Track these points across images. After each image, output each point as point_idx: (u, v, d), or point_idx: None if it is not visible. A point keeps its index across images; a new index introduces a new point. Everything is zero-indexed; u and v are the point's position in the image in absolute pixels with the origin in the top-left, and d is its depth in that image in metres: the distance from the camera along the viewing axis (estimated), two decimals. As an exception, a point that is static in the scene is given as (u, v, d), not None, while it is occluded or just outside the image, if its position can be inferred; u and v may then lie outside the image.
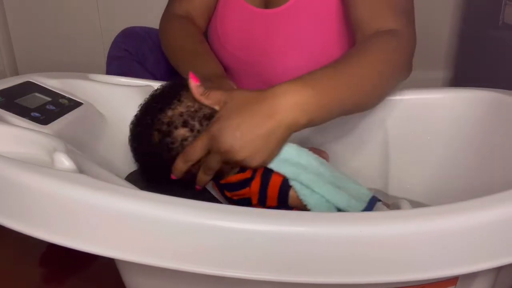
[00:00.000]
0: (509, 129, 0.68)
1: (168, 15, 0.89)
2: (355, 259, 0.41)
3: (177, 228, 0.42)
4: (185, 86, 0.62)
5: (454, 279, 0.47)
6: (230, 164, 0.55)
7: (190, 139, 0.60)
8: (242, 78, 0.88)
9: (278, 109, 0.51)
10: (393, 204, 0.69)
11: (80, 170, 0.48)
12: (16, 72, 1.42)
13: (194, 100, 0.59)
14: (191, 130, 0.60)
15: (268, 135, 0.52)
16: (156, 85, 0.80)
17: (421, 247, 0.41)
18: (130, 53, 0.89)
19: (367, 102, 0.62)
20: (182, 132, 0.60)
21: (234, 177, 0.60)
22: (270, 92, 0.53)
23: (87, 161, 0.54)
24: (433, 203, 0.44)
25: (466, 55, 1.32)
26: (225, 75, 0.78)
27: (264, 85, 0.83)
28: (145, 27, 0.95)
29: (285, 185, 0.58)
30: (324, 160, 0.62)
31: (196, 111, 0.60)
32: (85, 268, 0.78)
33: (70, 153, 0.50)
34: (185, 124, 0.60)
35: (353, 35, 0.69)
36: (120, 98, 0.74)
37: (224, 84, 0.72)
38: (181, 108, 0.61)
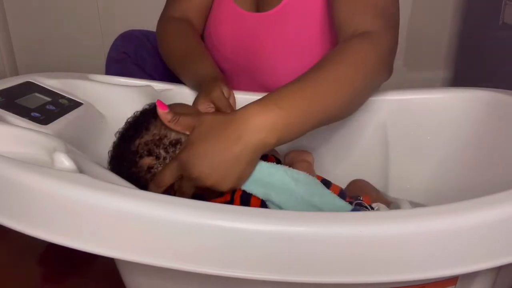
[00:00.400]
0: (509, 129, 0.68)
1: (164, 17, 0.89)
2: (355, 259, 0.41)
3: (177, 228, 0.42)
4: (154, 113, 0.62)
5: (454, 279, 0.47)
6: (202, 189, 0.55)
7: (156, 166, 0.61)
8: (236, 80, 0.88)
9: (244, 132, 0.51)
10: (393, 204, 0.69)
11: (80, 170, 0.48)
12: (16, 72, 1.42)
13: (161, 127, 0.60)
14: (157, 158, 0.61)
15: (236, 158, 0.52)
16: (155, 85, 0.80)
17: (421, 247, 0.41)
18: (129, 56, 0.90)
19: (341, 111, 0.59)
20: (147, 161, 0.61)
21: (213, 201, 0.61)
22: (238, 114, 0.52)
23: (87, 161, 0.54)
24: (433, 203, 0.44)
25: (466, 55, 1.32)
26: (221, 75, 0.78)
27: (258, 86, 0.84)
28: (144, 30, 0.96)
29: (265, 205, 0.58)
30: (302, 175, 0.60)
31: (161, 138, 0.61)
32: (85, 268, 0.78)
33: (70, 153, 0.50)
34: (150, 152, 0.61)
35: (336, 36, 0.69)
36: (120, 98, 0.74)
37: (212, 90, 0.70)
38: (147, 137, 0.61)
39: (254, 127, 0.51)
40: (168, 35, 0.86)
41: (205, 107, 0.70)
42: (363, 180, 0.80)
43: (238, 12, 0.85)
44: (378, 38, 0.61)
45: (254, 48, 0.83)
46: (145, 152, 0.61)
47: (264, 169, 0.57)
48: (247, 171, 0.54)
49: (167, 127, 0.60)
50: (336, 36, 0.69)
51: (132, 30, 0.95)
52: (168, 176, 0.56)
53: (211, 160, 0.52)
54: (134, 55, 0.90)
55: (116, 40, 0.93)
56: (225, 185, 0.53)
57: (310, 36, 0.80)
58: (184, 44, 0.84)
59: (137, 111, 0.66)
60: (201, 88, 0.74)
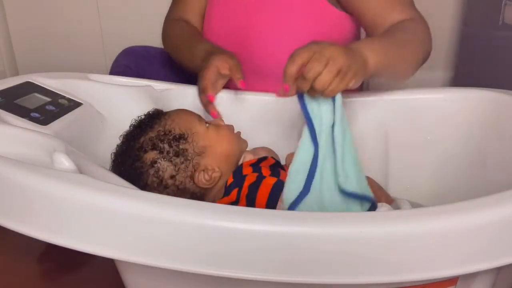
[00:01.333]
0: (509, 129, 0.68)
1: (167, 21, 0.97)
2: (355, 259, 0.41)
3: (177, 228, 0.42)
4: (158, 116, 0.66)
5: (454, 279, 0.47)
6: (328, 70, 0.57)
7: (160, 161, 0.62)
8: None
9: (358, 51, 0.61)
10: (393, 204, 0.69)
11: (80, 170, 0.48)
12: (16, 72, 1.42)
13: (165, 124, 0.64)
14: (161, 152, 0.62)
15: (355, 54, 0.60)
16: (155, 85, 0.80)
17: (421, 248, 0.41)
18: (129, 68, 0.93)
19: (405, 73, 0.74)
20: (151, 155, 0.62)
21: (220, 202, 0.62)
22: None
23: (87, 161, 0.54)
24: (433, 203, 0.44)
25: (466, 55, 1.32)
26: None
27: (251, 72, 0.84)
28: (144, 46, 1.01)
29: (272, 199, 0.58)
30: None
31: (165, 133, 0.63)
32: (85, 268, 0.78)
33: (70, 154, 0.50)
34: (154, 147, 0.62)
35: (370, 35, 0.79)
36: (120, 98, 0.74)
37: (228, 53, 0.77)
38: (151, 134, 0.64)
39: (363, 49, 0.62)
40: (171, 32, 0.93)
41: (221, 62, 0.74)
42: (368, 177, 0.79)
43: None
44: (422, 22, 0.75)
45: (247, 33, 0.85)
46: (150, 147, 0.62)
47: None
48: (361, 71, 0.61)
49: (171, 124, 0.63)
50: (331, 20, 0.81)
51: (133, 46, 1.01)
52: (305, 53, 0.57)
53: (339, 48, 0.57)
54: (135, 66, 0.94)
55: (118, 56, 0.97)
56: (351, 71, 0.58)
57: (301, 20, 0.82)
58: (184, 33, 0.90)
59: (141, 115, 0.67)
60: (213, 55, 0.77)
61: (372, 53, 0.63)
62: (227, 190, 0.62)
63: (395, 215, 0.43)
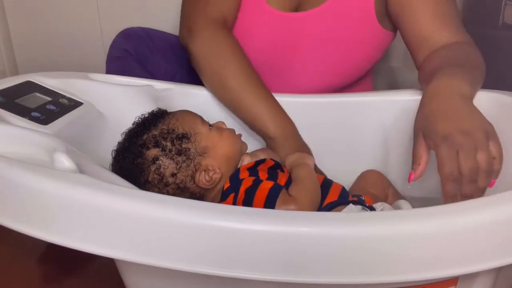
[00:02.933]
0: (509, 129, 0.68)
1: (203, 19, 0.77)
2: (355, 259, 0.41)
3: (177, 228, 0.42)
4: (163, 113, 0.66)
5: (454, 279, 0.47)
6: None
7: (161, 158, 0.62)
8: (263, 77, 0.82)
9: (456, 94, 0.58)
10: (394, 205, 0.69)
11: (80, 170, 0.48)
12: (16, 72, 1.42)
13: (169, 123, 0.64)
14: (163, 149, 0.62)
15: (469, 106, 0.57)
16: (156, 84, 0.80)
17: (421, 248, 0.41)
18: (130, 53, 0.89)
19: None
20: (153, 152, 0.62)
21: None
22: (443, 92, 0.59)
23: (87, 161, 0.54)
24: (433, 204, 0.44)
25: (466, 55, 1.32)
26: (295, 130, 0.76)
27: (286, 85, 0.85)
28: (145, 28, 0.95)
29: (269, 204, 0.58)
30: None
31: (169, 132, 0.64)
32: (85, 268, 0.78)
33: (70, 153, 0.50)
34: (156, 144, 0.63)
35: (415, 51, 0.75)
36: (120, 98, 0.74)
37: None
38: (155, 131, 0.64)
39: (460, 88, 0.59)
40: (217, 56, 0.75)
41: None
42: (376, 172, 0.79)
43: (272, 13, 0.83)
44: (475, 47, 0.72)
45: (287, 47, 0.83)
46: (152, 144, 0.63)
47: None
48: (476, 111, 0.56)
49: (174, 123, 0.64)
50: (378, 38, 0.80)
51: (133, 28, 0.93)
52: (420, 148, 0.54)
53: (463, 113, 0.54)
54: (135, 53, 0.89)
55: (116, 37, 0.91)
56: (479, 130, 0.52)
57: (347, 36, 0.81)
58: (246, 85, 0.74)
59: (145, 114, 0.67)
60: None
61: (472, 90, 0.61)
62: (224, 195, 0.62)
63: (395, 215, 0.43)
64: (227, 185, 0.63)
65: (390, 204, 0.68)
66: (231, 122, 0.75)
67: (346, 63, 0.83)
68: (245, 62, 0.76)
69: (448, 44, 0.71)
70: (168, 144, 0.63)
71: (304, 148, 0.75)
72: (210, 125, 0.68)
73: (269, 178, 0.62)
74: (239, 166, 0.67)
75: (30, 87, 0.67)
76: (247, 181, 0.61)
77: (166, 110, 0.69)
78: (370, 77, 0.99)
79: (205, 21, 0.77)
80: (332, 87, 0.87)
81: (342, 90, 0.90)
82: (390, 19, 0.81)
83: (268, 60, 0.85)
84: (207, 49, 0.76)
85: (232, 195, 0.61)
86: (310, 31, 0.83)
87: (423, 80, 0.68)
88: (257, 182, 0.60)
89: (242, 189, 0.60)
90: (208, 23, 0.77)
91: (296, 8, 0.84)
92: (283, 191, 0.59)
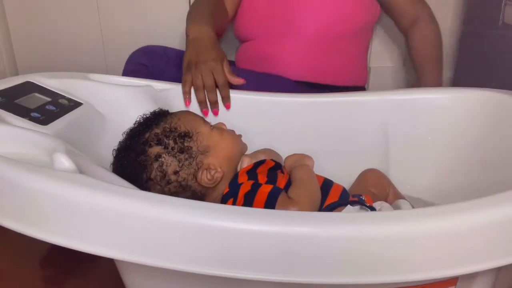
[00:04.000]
0: (509, 129, 0.68)
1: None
2: (355, 259, 0.41)
3: (177, 228, 0.42)
4: (165, 113, 0.67)
5: (454, 279, 0.47)
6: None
7: (164, 155, 0.62)
8: (276, 39, 0.99)
9: None
10: (394, 205, 0.69)
11: (80, 170, 0.48)
12: (16, 72, 1.42)
13: (171, 122, 0.65)
14: (166, 147, 0.63)
15: None
16: (155, 85, 0.80)
17: (421, 248, 0.41)
18: (146, 67, 0.91)
19: None
20: (156, 149, 0.63)
21: None
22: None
23: (87, 161, 0.54)
24: (433, 204, 0.44)
25: (466, 55, 1.32)
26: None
27: (298, 42, 0.97)
28: (161, 46, 0.99)
29: (268, 208, 0.58)
30: None
31: (171, 130, 0.64)
32: (86, 269, 0.78)
33: (70, 154, 0.50)
34: (159, 142, 0.63)
35: (395, 19, 1.07)
36: (120, 98, 0.74)
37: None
38: (157, 130, 0.64)
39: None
40: (198, 3, 0.98)
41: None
42: (376, 171, 0.79)
43: None
44: (435, 20, 1.04)
45: (287, 12, 0.97)
46: (155, 142, 0.63)
47: None
48: None
49: (177, 122, 0.65)
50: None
51: (150, 45, 0.98)
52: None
53: None
54: (152, 65, 0.92)
55: (132, 54, 0.95)
56: None
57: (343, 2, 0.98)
58: (205, 3, 0.95)
59: (146, 113, 0.68)
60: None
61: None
62: (223, 200, 0.62)
63: (395, 215, 0.43)
64: (226, 190, 0.63)
65: (390, 203, 0.68)
66: (231, 123, 0.75)
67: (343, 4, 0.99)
68: (212, 5, 0.96)
69: (421, 20, 1.03)
70: (171, 142, 0.63)
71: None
72: (211, 126, 0.68)
73: (269, 181, 0.62)
74: (238, 168, 0.67)
75: (29, 88, 0.67)
76: (245, 185, 0.61)
77: (167, 110, 0.69)
78: (369, 33, 1.11)
79: None
80: (331, 30, 0.99)
81: (342, 39, 1.01)
82: None
83: (278, 15, 1.00)
84: (192, 4, 0.99)
85: (231, 200, 0.61)
86: None
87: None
88: (255, 186, 0.60)
89: (241, 193, 0.60)
90: None
91: None
92: (282, 193, 0.59)
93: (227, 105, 0.80)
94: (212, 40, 0.84)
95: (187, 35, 0.85)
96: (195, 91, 0.79)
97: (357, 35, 1.03)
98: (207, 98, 0.79)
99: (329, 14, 0.98)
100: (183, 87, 0.80)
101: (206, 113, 0.79)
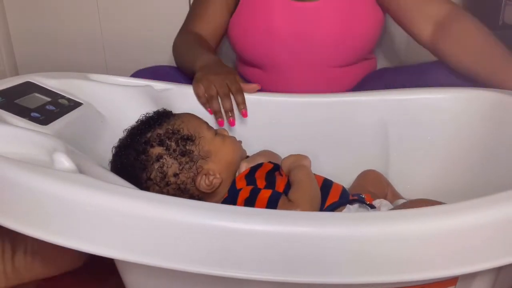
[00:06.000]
0: (509, 129, 0.68)
1: (179, 33, 0.97)
2: (355, 259, 0.41)
3: (177, 228, 0.42)
4: (169, 114, 0.66)
5: (454, 279, 0.47)
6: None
7: (165, 157, 0.62)
8: (293, 66, 0.93)
9: None
10: (393, 203, 0.69)
11: (80, 170, 0.48)
12: (16, 72, 1.42)
13: (175, 124, 0.65)
14: (167, 149, 0.63)
15: None
16: (155, 85, 0.80)
17: (421, 247, 0.41)
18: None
19: None
20: (157, 150, 0.63)
21: None
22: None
23: (87, 161, 0.54)
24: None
25: (466, 55, 1.32)
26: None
27: (320, 73, 0.92)
28: (172, 66, 0.96)
29: (272, 205, 0.58)
30: None
31: (174, 132, 0.64)
32: (85, 268, 0.78)
33: (70, 154, 0.50)
34: (161, 143, 0.63)
35: (407, 29, 0.87)
36: (120, 98, 0.74)
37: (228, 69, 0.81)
38: (160, 130, 0.64)
39: None
40: (178, 40, 0.95)
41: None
42: (375, 172, 0.79)
43: (287, 3, 0.89)
44: (464, 11, 0.84)
45: (308, 36, 0.89)
46: (157, 142, 0.63)
47: None
48: None
49: (180, 124, 0.64)
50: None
51: (160, 66, 0.95)
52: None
53: None
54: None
55: (140, 71, 0.91)
56: None
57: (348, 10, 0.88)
58: (191, 41, 0.92)
59: (150, 112, 0.68)
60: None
61: None
62: None
63: (395, 215, 0.43)
64: (225, 196, 0.63)
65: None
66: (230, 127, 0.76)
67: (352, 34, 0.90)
68: (199, 41, 0.91)
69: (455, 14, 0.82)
70: (173, 144, 0.63)
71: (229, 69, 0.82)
72: (215, 132, 0.68)
73: (267, 185, 0.62)
74: (236, 174, 0.67)
75: (29, 88, 0.67)
76: (244, 191, 0.61)
77: (171, 111, 0.69)
78: (373, 56, 1.05)
79: (182, 31, 0.96)
80: (344, 61, 0.93)
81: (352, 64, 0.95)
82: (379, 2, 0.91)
83: (296, 49, 0.91)
84: (176, 40, 0.96)
85: None
86: (321, 20, 0.89)
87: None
88: (254, 192, 0.61)
89: (240, 199, 0.60)
90: (186, 32, 0.95)
91: None
92: (282, 197, 0.59)
93: (244, 112, 0.76)
94: (220, 61, 0.83)
95: (194, 72, 0.82)
96: (209, 101, 0.75)
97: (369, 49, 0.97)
98: (221, 106, 0.76)
99: (341, 49, 0.90)
100: (199, 98, 0.77)
101: (221, 123, 0.76)
